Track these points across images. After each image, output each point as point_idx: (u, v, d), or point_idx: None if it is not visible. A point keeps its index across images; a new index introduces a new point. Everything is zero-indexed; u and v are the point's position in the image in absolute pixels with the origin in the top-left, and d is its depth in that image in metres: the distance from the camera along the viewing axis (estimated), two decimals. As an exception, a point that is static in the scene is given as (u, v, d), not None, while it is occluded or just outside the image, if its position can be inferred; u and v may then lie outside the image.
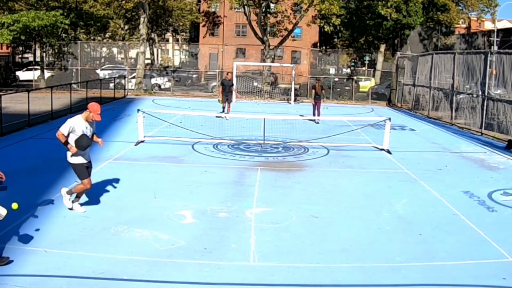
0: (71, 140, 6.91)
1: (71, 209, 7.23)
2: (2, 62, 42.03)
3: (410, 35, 37.70)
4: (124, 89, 27.99)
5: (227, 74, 19.72)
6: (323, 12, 29.91)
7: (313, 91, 18.79)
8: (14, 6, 31.63)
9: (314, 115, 18.68)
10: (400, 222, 7.34)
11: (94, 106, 7.01)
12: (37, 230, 6.45)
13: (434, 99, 21.71)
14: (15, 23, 26.25)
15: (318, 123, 18.31)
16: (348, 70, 43.20)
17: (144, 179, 9.39)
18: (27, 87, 24.05)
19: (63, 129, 6.86)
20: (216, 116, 17.04)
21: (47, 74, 32.43)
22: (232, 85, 18.45)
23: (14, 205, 5.37)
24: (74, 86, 24.74)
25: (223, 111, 18.19)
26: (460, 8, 41.47)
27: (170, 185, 9.06)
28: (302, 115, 19.71)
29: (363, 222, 7.31)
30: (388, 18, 32.58)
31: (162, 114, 15.92)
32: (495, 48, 30.59)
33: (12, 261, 5.40)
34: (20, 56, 58.03)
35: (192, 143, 13.17)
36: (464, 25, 54.47)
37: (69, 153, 7.01)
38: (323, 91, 19.19)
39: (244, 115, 17.18)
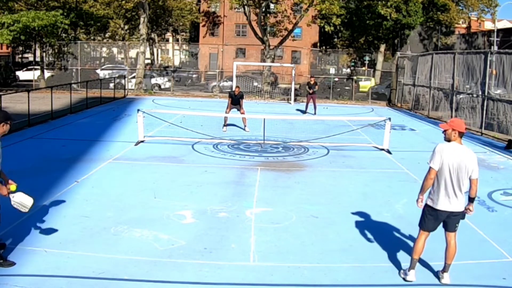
0: None
1: None
2: (2, 62, 42.07)
3: (410, 35, 37.72)
4: (124, 89, 27.99)
5: (236, 87, 16.94)
6: (323, 12, 29.93)
7: (307, 87, 21.56)
8: (14, 6, 31.63)
9: (306, 108, 21.48)
10: (400, 222, 7.33)
11: None
12: (37, 230, 6.45)
13: (434, 99, 21.71)
14: (15, 23, 26.26)
15: (314, 114, 20.73)
16: (348, 70, 43.27)
17: (144, 179, 9.39)
18: (27, 87, 24.01)
19: None
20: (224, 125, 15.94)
21: (47, 74, 32.45)
22: (242, 97, 16.18)
23: (13, 187, 5.35)
24: (74, 86, 24.76)
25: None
26: (460, 8, 41.50)
27: (170, 185, 9.06)
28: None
29: (363, 222, 7.31)
30: (388, 18, 32.59)
31: (162, 114, 15.92)
32: (495, 48, 30.63)
33: (15, 263, 5.40)
34: (20, 56, 58.07)
35: (192, 143, 13.17)
36: (464, 25, 54.50)
37: None
38: (316, 86, 21.51)
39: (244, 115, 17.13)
